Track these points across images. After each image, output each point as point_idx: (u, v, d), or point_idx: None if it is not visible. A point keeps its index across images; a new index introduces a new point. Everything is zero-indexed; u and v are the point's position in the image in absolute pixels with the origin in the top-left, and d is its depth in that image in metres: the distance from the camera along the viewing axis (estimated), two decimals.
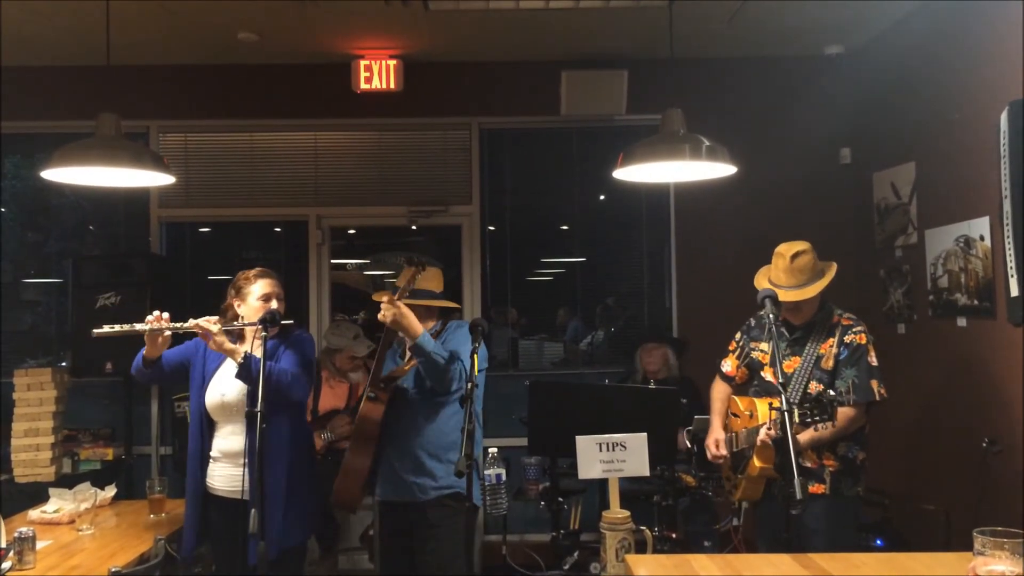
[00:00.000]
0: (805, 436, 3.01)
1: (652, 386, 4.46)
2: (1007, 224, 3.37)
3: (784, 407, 2.66)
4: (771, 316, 2.96)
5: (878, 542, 4.08)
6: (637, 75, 5.04)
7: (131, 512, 3.59)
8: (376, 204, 5.42)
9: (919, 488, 4.43)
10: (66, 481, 4.40)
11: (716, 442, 3.37)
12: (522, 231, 5.59)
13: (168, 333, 2.98)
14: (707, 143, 3.15)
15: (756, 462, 3.12)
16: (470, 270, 5.42)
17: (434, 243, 5.69)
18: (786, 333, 3.27)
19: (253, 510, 2.55)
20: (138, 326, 2.93)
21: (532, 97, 5.27)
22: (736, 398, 3.40)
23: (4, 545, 2.73)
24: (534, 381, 4.29)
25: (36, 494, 3.86)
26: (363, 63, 5.04)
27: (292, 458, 3.05)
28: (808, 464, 3.12)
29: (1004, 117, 3.37)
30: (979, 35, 3.94)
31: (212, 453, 3.12)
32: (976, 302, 3.98)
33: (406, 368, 3.17)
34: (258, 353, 2.81)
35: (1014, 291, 3.37)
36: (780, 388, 2.72)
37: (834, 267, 3.24)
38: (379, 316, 3.03)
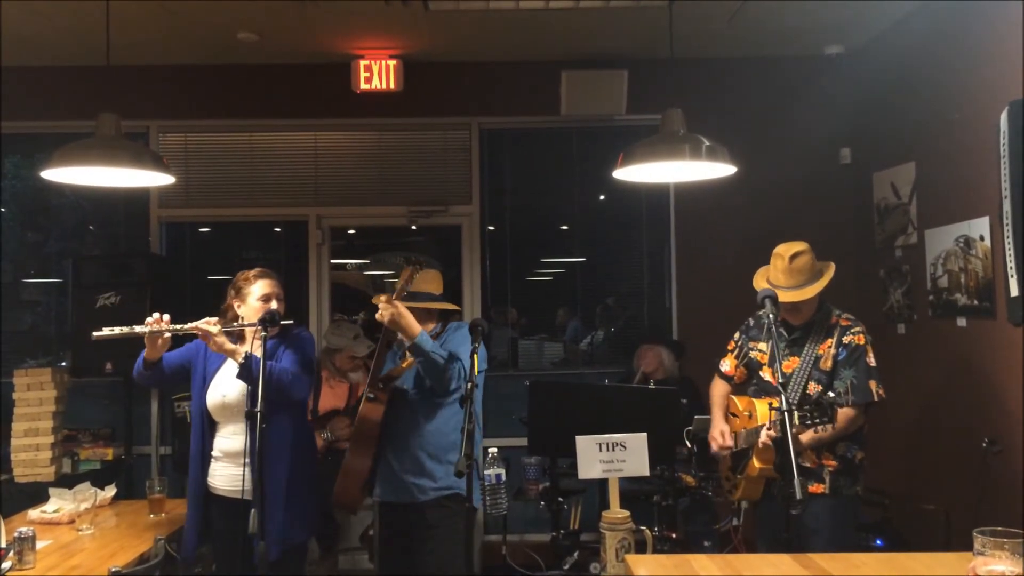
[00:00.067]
0: (806, 436, 3.01)
1: (652, 386, 4.46)
2: (1007, 224, 3.37)
3: (784, 407, 2.66)
4: (771, 316, 2.96)
5: (878, 542, 4.08)
6: (637, 75, 5.04)
7: (131, 512, 3.59)
8: (376, 204, 5.42)
9: (919, 488, 4.43)
10: (66, 481, 4.40)
11: (721, 433, 3.34)
12: (522, 231, 5.59)
13: (168, 335, 2.98)
14: (707, 143, 3.15)
15: (756, 462, 3.12)
16: (470, 270, 5.42)
17: (434, 243, 5.69)
18: (785, 333, 3.27)
19: (253, 510, 2.56)
20: (138, 328, 2.93)
21: (532, 97, 5.27)
22: (735, 398, 3.40)
23: (4, 545, 2.73)
24: (534, 381, 4.30)
25: (36, 494, 3.86)
26: (363, 63, 5.04)
27: (293, 457, 3.05)
28: (807, 464, 3.12)
29: (1004, 117, 3.37)
30: (979, 35, 3.94)
31: (213, 453, 3.13)
32: (976, 302, 3.98)
33: (404, 366, 3.17)
34: (258, 353, 2.81)
35: (1014, 291, 3.37)
36: (780, 388, 2.72)
37: (832, 267, 3.24)
38: (377, 316, 3.03)
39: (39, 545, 2.87)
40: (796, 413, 2.80)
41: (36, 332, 5.71)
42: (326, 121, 5.37)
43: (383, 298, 3.01)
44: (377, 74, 5.05)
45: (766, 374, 3.32)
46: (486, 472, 3.21)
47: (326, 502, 3.37)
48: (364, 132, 5.45)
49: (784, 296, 3.12)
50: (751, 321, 3.47)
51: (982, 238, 3.88)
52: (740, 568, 2.42)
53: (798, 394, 3.16)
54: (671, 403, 3.86)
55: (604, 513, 2.74)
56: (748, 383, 3.48)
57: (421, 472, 3.18)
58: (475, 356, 2.98)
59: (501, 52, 5.13)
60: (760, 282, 3.29)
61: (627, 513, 2.72)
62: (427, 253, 5.61)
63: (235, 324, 3.08)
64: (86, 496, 3.54)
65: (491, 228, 5.49)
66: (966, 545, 2.09)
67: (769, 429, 2.98)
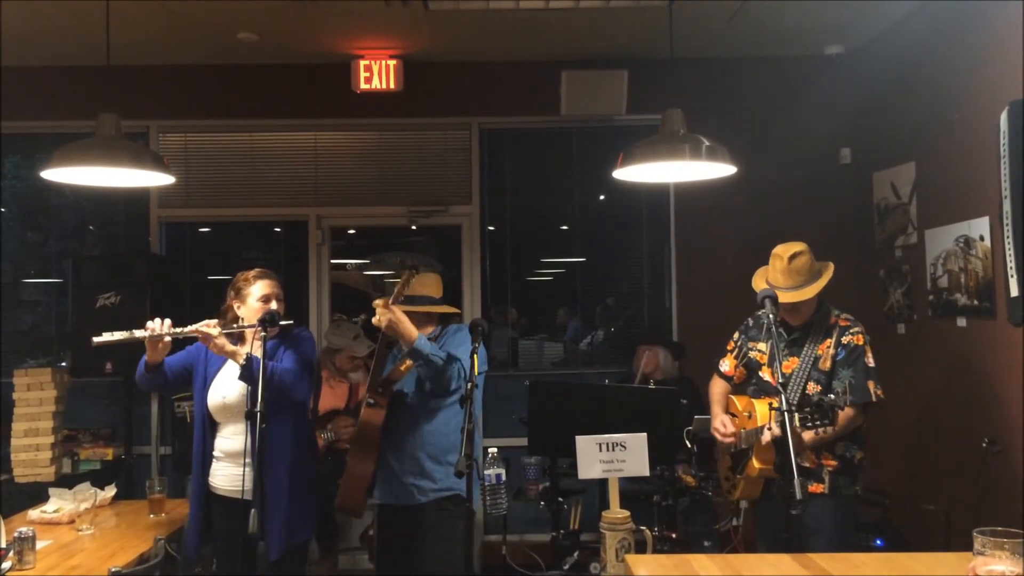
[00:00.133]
0: (808, 435, 3.01)
1: (652, 386, 4.46)
2: (1007, 224, 3.37)
3: (783, 408, 2.66)
4: (770, 316, 2.96)
5: (878, 542, 4.08)
6: (637, 75, 5.04)
7: (131, 512, 3.59)
8: (376, 204, 5.42)
9: (919, 488, 4.43)
10: (66, 481, 4.40)
11: (722, 422, 3.32)
12: (522, 231, 5.59)
13: (168, 339, 2.98)
14: (707, 143, 3.15)
15: (755, 462, 3.12)
16: (470, 270, 5.41)
17: (434, 243, 5.69)
18: (784, 334, 3.27)
19: (253, 510, 2.56)
20: (138, 333, 2.93)
21: (532, 97, 5.27)
22: (734, 398, 3.40)
23: (4, 545, 2.73)
24: (534, 381, 4.30)
25: (36, 494, 3.86)
26: (363, 63, 5.04)
27: (294, 457, 3.06)
28: (806, 464, 3.12)
29: (1004, 117, 3.37)
30: (979, 35, 3.94)
31: (214, 453, 3.14)
32: (976, 302, 3.98)
33: (403, 369, 3.17)
34: (258, 354, 2.81)
35: (1014, 291, 3.37)
36: (780, 389, 2.72)
37: (831, 268, 3.24)
38: (374, 321, 3.03)
39: (39, 545, 2.87)
40: (797, 415, 2.81)
41: (36, 332, 5.71)
42: (326, 121, 5.37)
43: (380, 302, 3.01)
44: (377, 74, 5.05)
45: (765, 374, 3.32)
46: (486, 472, 3.21)
47: (327, 502, 3.38)
48: (364, 132, 5.45)
49: (783, 297, 3.12)
50: (750, 321, 3.47)
51: (982, 238, 3.88)
52: (740, 568, 2.42)
53: (797, 394, 3.16)
54: (671, 403, 3.86)
55: (604, 513, 2.74)
56: (747, 383, 3.48)
57: (421, 473, 3.18)
58: (475, 356, 2.98)
59: (501, 52, 5.13)
60: (759, 283, 3.29)
61: (627, 513, 2.72)
62: (427, 253, 5.61)
63: (235, 325, 3.08)
64: (86, 496, 3.54)
65: (491, 228, 5.49)
66: (966, 545, 2.09)
67: (769, 429, 2.99)
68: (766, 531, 3.32)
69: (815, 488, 3.12)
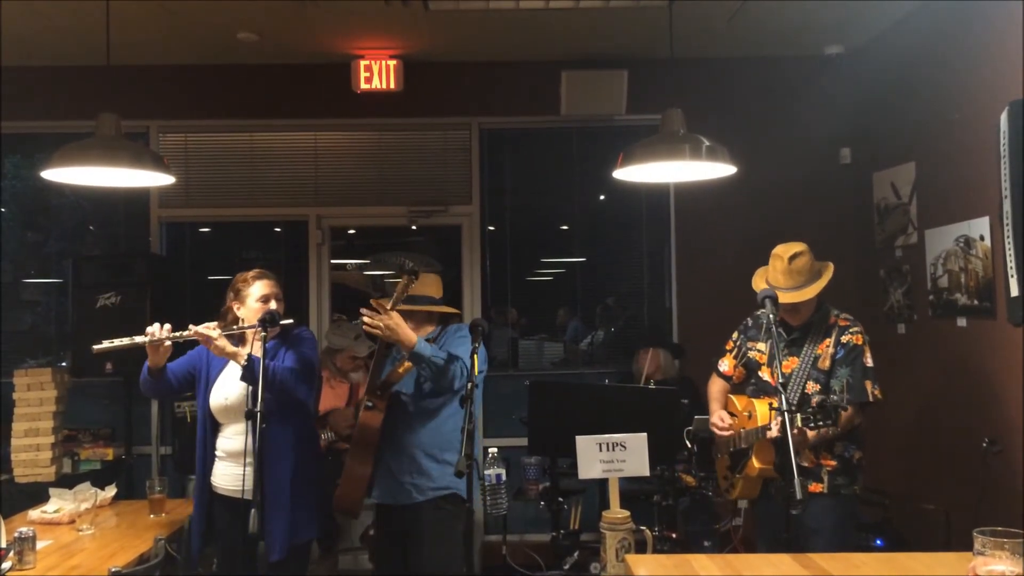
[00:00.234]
0: (812, 434, 3.01)
1: (652, 386, 4.46)
2: (1007, 224, 3.37)
3: (784, 408, 2.66)
4: (770, 316, 2.96)
5: (878, 542, 4.08)
6: (637, 75, 5.04)
7: (131, 512, 3.59)
8: (376, 204, 5.42)
9: (919, 488, 4.43)
10: (66, 481, 4.40)
11: (720, 416, 3.32)
12: (522, 231, 5.59)
13: (169, 343, 2.98)
14: (707, 143, 3.15)
15: (755, 462, 3.13)
16: (470, 270, 5.42)
17: (434, 243, 5.69)
18: (783, 333, 3.27)
19: (253, 510, 2.56)
20: (138, 339, 2.94)
21: (532, 97, 5.27)
22: (733, 397, 3.40)
23: (4, 545, 2.73)
24: (534, 381, 4.30)
25: (36, 494, 3.86)
26: (363, 63, 5.04)
27: (298, 457, 3.07)
28: (805, 464, 3.12)
29: (1004, 117, 3.37)
30: (979, 35, 3.94)
31: (217, 453, 3.15)
32: (976, 302, 3.98)
33: (401, 371, 3.17)
34: (259, 354, 2.81)
35: (1014, 291, 3.37)
36: (779, 389, 2.72)
37: (831, 268, 3.24)
38: (366, 325, 3.01)
39: (39, 545, 2.87)
40: (799, 416, 2.82)
41: (36, 332, 5.71)
42: (326, 121, 5.37)
43: (368, 316, 2.99)
44: (377, 74, 5.05)
45: (765, 374, 3.32)
46: (486, 472, 3.22)
47: (327, 502, 3.38)
48: (364, 132, 5.45)
49: (783, 297, 3.12)
50: (749, 321, 3.47)
51: (982, 238, 3.88)
52: (740, 568, 2.42)
53: (797, 394, 3.17)
54: (671, 403, 3.86)
55: (604, 513, 2.74)
56: (746, 383, 3.48)
57: (419, 472, 3.18)
58: (475, 356, 2.98)
59: (501, 52, 5.13)
60: (759, 283, 3.29)
61: (627, 513, 2.73)
62: (427, 253, 5.61)
63: (235, 326, 3.08)
64: (86, 496, 3.54)
65: (491, 228, 5.49)
66: (966, 545, 2.09)
67: (770, 429, 2.99)
68: (766, 531, 3.32)
69: (814, 488, 3.13)
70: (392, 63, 5.04)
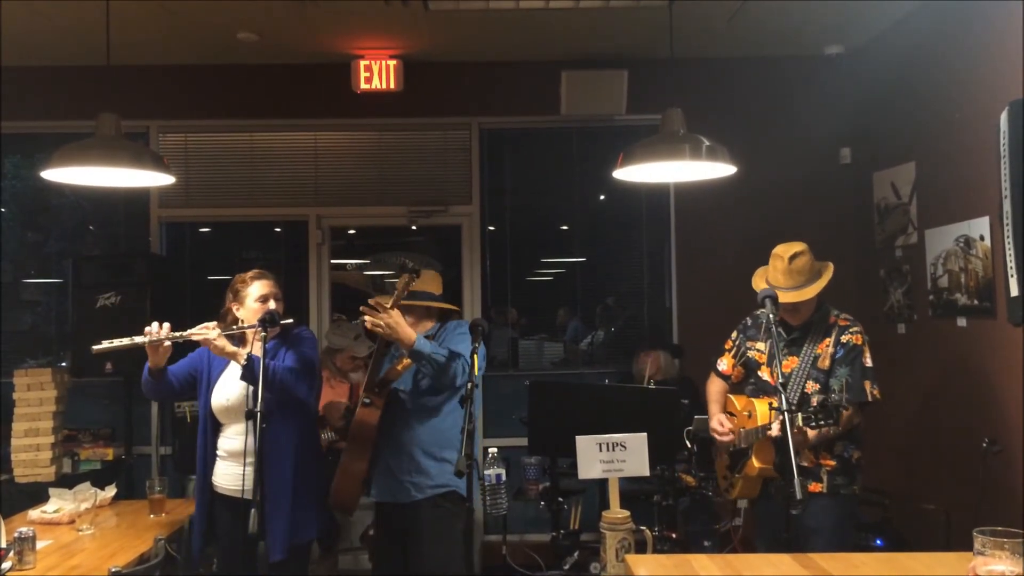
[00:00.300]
0: (811, 434, 3.01)
1: (652, 386, 4.46)
2: (1007, 224, 3.37)
3: (784, 407, 2.66)
4: (770, 316, 2.96)
5: (878, 542, 4.08)
6: (637, 75, 5.04)
7: (131, 512, 3.59)
8: (376, 204, 5.42)
9: (919, 488, 4.43)
10: (66, 481, 4.40)
11: (720, 421, 3.32)
12: (522, 231, 5.59)
13: (168, 343, 2.98)
14: (707, 143, 3.15)
15: (755, 462, 3.13)
16: (470, 270, 5.42)
17: (434, 243, 5.69)
18: (783, 333, 3.27)
19: (253, 510, 2.56)
20: (137, 339, 2.94)
21: (532, 97, 5.26)
22: (732, 397, 3.40)
23: (4, 545, 2.73)
24: (534, 381, 4.30)
25: (36, 494, 3.86)
26: (363, 63, 5.04)
27: (299, 457, 3.08)
28: (805, 463, 3.12)
29: (1004, 117, 3.36)
30: (979, 35, 3.94)
31: (218, 452, 3.16)
32: (976, 302, 3.98)
33: (400, 368, 3.17)
34: (259, 354, 2.81)
35: (1014, 291, 3.36)
36: (780, 388, 2.72)
37: (831, 268, 3.24)
38: (366, 326, 3.02)
39: (39, 545, 2.87)
40: (800, 415, 2.82)
41: (36, 332, 5.71)
42: (326, 121, 5.37)
43: (368, 314, 2.99)
44: (377, 74, 5.05)
45: (764, 374, 3.32)
46: (486, 472, 3.21)
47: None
48: (364, 132, 5.45)
49: (784, 297, 3.12)
50: (748, 321, 3.47)
51: (982, 238, 3.88)
52: (740, 568, 2.42)
53: (797, 394, 3.17)
54: (671, 403, 3.86)
55: (604, 513, 2.74)
56: (744, 383, 3.48)
57: (417, 470, 3.18)
58: (475, 356, 2.98)
59: (501, 52, 5.13)
60: (759, 283, 3.29)
61: (627, 513, 2.73)
62: (427, 253, 5.61)
63: (235, 327, 3.08)
64: (86, 496, 3.54)
65: (491, 228, 5.49)
66: (966, 545, 2.09)
67: (770, 430, 2.99)
68: (765, 531, 3.32)
69: (813, 487, 3.13)
70: (392, 63, 5.04)
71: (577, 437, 2.83)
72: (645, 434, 2.84)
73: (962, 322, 4.11)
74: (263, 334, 2.83)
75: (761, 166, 4.95)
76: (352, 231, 5.75)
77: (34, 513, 3.40)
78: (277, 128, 5.41)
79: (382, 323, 2.96)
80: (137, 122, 5.08)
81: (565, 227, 5.82)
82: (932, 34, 4.35)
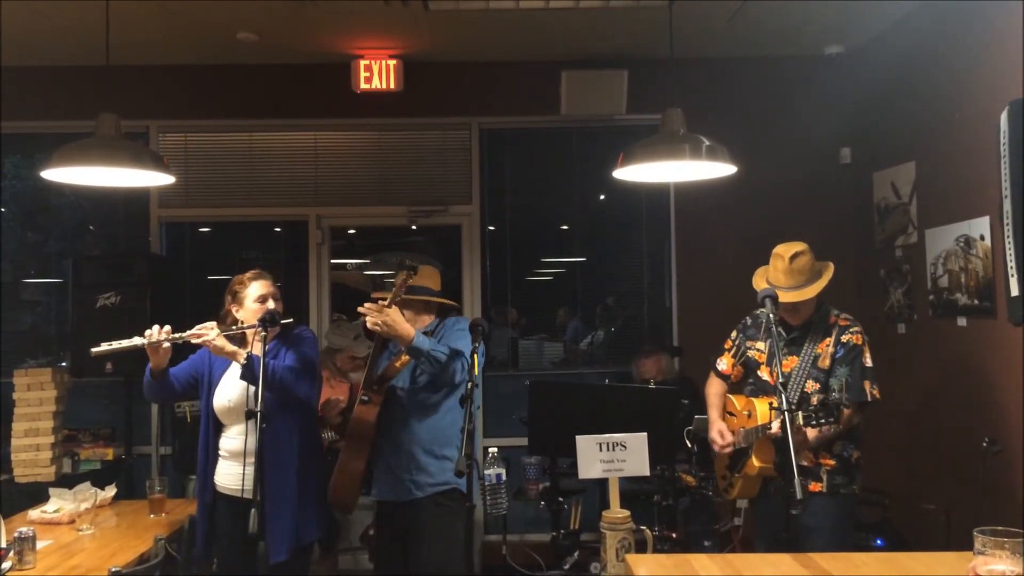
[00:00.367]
0: (812, 433, 3.01)
1: (652, 386, 4.46)
2: (1007, 224, 3.37)
3: (784, 407, 2.66)
4: (770, 316, 2.96)
5: (878, 542, 4.08)
6: (637, 75, 5.04)
7: (131, 512, 3.59)
8: (376, 204, 5.42)
9: (919, 488, 4.43)
10: (66, 481, 4.40)
11: (720, 432, 3.34)
12: (522, 231, 5.59)
13: (168, 344, 2.98)
14: (707, 143, 3.15)
15: (755, 461, 3.13)
16: (470, 270, 5.41)
17: (434, 243, 5.69)
18: (783, 333, 3.27)
19: (253, 510, 2.56)
20: (136, 341, 2.94)
21: (532, 97, 5.26)
22: (732, 397, 3.41)
23: (4, 545, 2.73)
24: (534, 381, 4.30)
25: (36, 494, 3.87)
26: (363, 63, 5.04)
27: (302, 457, 3.08)
28: (804, 463, 3.12)
29: (1004, 117, 3.36)
30: (979, 35, 3.94)
31: (221, 453, 3.16)
32: (976, 302, 3.98)
33: (398, 365, 3.17)
34: (260, 354, 2.82)
35: (1014, 291, 3.36)
36: (780, 388, 2.72)
37: (831, 268, 3.24)
38: (368, 324, 3.02)
39: (39, 545, 2.87)
40: (801, 414, 2.82)
41: (36, 332, 5.71)
42: (326, 121, 5.37)
43: (371, 306, 2.99)
44: (377, 74, 5.05)
45: (764, 373, 3.32)
46: (486, 472, 3.21)
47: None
48: (364, 132, 5.45)
49: (784, 296, 3.13)
50: (748, 320, 3.47)
51: (982, 238, 3.88)
52: (740, 568, 2.42)
53: (797, 393, 3.17)
54: (671, 403, 3.86)
55: (604, 513, 2.74)
56: (744, 382, 3.48)
57: (418, 468, 3.18)
58: (476, 356, 2.98)
59: (501, 52, 5.13)
60: (759, 282, 3.30)
61: (627, 513, 2.73)
62: (427, 253, 5.61)
63: (235, 327, 3.09)
64: (86, 496, 3.54)
65: (491, 228, 5.49)
66: (966, 545, 2.09)
67: (770, 429, 2.99)
68: (765, 531, 3.32)
69: (813, 487, 3.13)
70: (392, 63, 5.04)
71: (577, 437, 2.83)
72: (645, 434, 2.84)
73: (962, 322, 4.11)
74: (263, 334, 2.83)
75: (761, 166, 4.95)
76: (352, 231, 5.75)
77: (34, 513, 3.40)
78: (277, 128, 5.41)
79: (380, 321, 2.96)
80: (137, 122, 5.08)
81: (565, 227, 5.82)
82: (932, 34, 4.35)
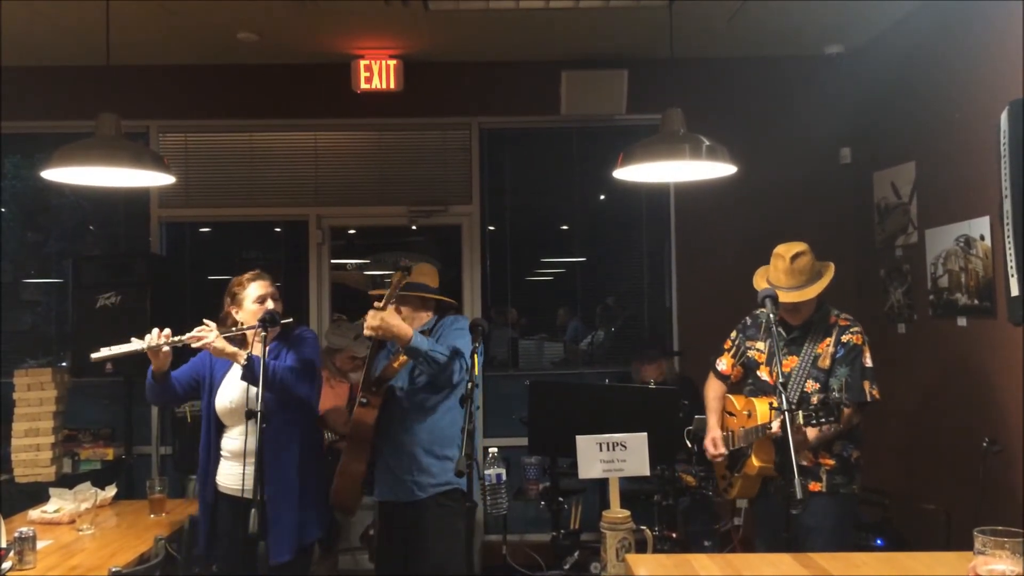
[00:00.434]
0: (812, 433, 3.01)
1: (652, 386, 4.46)
2: (1007, 224, 3.37)
3: (784, 407, 2.66)
4: (770, 316, 2.96)
5: (878, 542, 4.08)
6: (637, 75, 5.04)
7: (131, 512, 3.59)
8: (376, 204, 5.42)
9: (919, 488, 4.43)
10: (66, 481, 4.40)
11: (713, 441, 3.37)
12: (522, 231, 5.59)
13: (167, 347, 2.98)
14: (707, 143, 3.15)
15: (755, 461, 3.13)
16: (470, 270, 5.41)
17: (434, 243, 5.69)
18: (783, 333, 3.27)
19: (253, 510, 2.56)
20: (136, 346, 2.93)
21: (532, 97, 5.26)
22: (732, 397, 3.41)
23: (4, 545, 2.73)
24: (534, 381, 4.30)
25: (36, 494, 3.87)
26: (363, 63, 5.04)
27: (303, 456, 3.08)
28: (804, 463, 3.12)
29: (1004, 117, 3.36)
30: (979, 35, 3.94)
31: (222, 453, 3.16)
32: (976, 302, 3.98)
33: (396, 366, 3.16)
34: (260, 354, 2.82)
35: (1014, 291, 3.36)
36: (780, 388, 2.72)
37: (832, 268, 3.24)
38: (365, 331, 3.02)
39: (39, 545, 2.87)
40: (801, 413, 2.82)
41: (36, 332, 5.71)
42: (326, 121, 5.37)
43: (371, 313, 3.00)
44: (377, 74, 5.05)
45: (763, 373, 3.32)
46: (486, 472, 3.21)
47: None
48: (364, 132, 5.45)
49: (785, 296, 3.13)
50: (748, 320, 3.47)
51: (982, 237, 3.89)
52: (740, 568, 2.42)
53: (797, 393, 3.17)
54: (671, 403, 3.86)
55: (604, 513, 2.75)
56: (743, 382, 3.48)
57: (419, 469, 3.18)
58: (476, 356, 2.98)
59: (501, 52, 5.13)
60: (760, 282, 3.29)
61: (627, 513, 2.73)
62: (427, 253, 5.62)
63: (235, 329, 3.08)
64: (86, 496, 3.54)
65: (491, 228, 5.49)
66: (966, 545, 2.09)
67: (770, 429, 2.99)
68: (765, 530, 3.32)
69: (813, 487, 3.13)
70: (392, 63, 5.04)
71: (577, 437, 2.83)
72: (645, 434, 2.84)
73: (962, 322, 4.11)
74: (263, 334, 2.83)
75: (761, 166, 4.95)
76: (352, 231, 5.75)
77: (34, 513, 3.40)
78: (277, 128, 5.41)
79: (376, 325, 2.96)
80: (137, 122, 5.08)
81: (565, 227, 5.82)
82: (932, 34, 4.35)
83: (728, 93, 5.25)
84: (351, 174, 5.45)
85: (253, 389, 2.87)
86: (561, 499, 4.27)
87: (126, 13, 4.12)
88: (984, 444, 3.68)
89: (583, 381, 5.37)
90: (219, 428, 3.17)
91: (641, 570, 2.44)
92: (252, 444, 2.76)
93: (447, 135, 5.43)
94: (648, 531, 2.87)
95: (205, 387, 3.19)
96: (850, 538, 3.29)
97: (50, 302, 5.70)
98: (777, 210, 5.11)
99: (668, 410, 3.81)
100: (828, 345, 3.20)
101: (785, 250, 3.22)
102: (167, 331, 2.98)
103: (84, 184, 3.49)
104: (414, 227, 5.54)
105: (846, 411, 3.04)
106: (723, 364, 3.53)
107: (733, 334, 3.52)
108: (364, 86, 5.04)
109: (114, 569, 2.73)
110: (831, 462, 3.16)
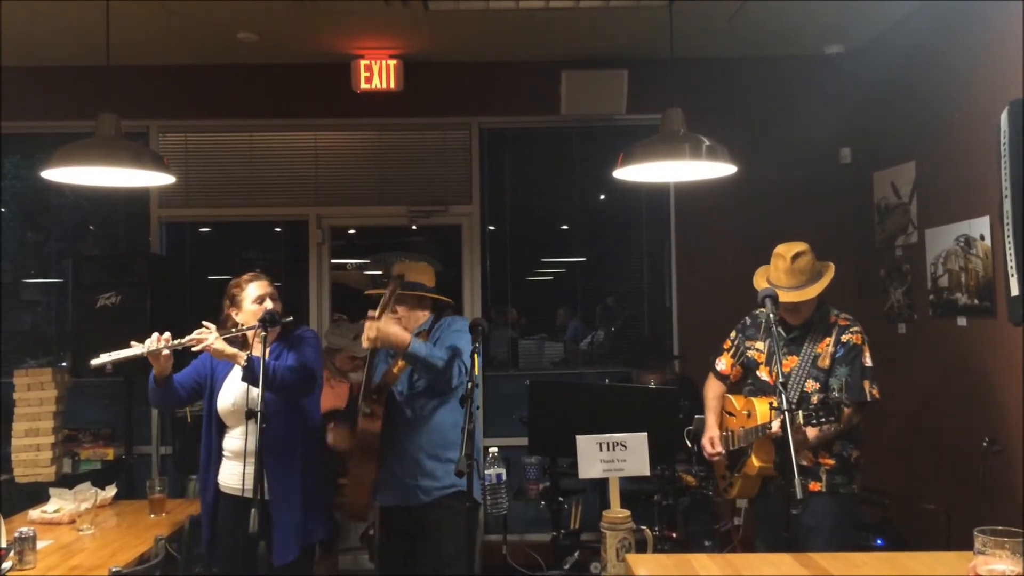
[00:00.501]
0: (812, 432, 3.01)
1: (652, 386, 4.46)
2: (1007, 223, 3.37)
3: (784, 407, 2.66)
4: (770, 316, 2.96)
5: (878, 542, 4.08)
6: (637, 75, 5.04)
7: (131, 512, 3.59)
8: (376, 204, 5.42)
9: (919, 488, 4.43)
10: (66, 481, 4.40)
11: (711, 440, 3.36)
12: (522, 231, 5.59)
13: (167, 351, 2.98)
14: (707, 143, 3.15)
15: (755, 461, 3.13)
16: (470, 270, 5.42)
17: (434, 243, 5.69)
18: (783, 333, 3.27)
19: (253, 510, 2.57)
20: (136, 350, 2.93)
21: (532, 97, 5.27)
22: (731, 397, 3.41)
23: (4, 545, 2.73)
24: (534, 381, 4.30)
25: (36, 494, 3.86)
26: (363, 63, 5.04)
27: (305, 456, 3.08)
28: (804, 462, 3.12)
29: (1004, 117, 3.36)
30: (979, 35, 3.94)
31: (224, 453, 3.16)
32: (976, 302, 3.98)
33: (395, 372, 3.16)
34: (261, 354, 2.82)
35: (1014, 290, 3.36)
36: (780, 388, 2.72)
37: (832, 268, 3.24)
38: (363, 343, 3.02)
39: (40, 545, 2.87)
40: (801, 413, 2.82)
41: (36, 332, 5.71)
42: (326, 121, 5.37)
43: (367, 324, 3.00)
44: (377, 74, 5.05)
45: (763, 373, 3.32)
46: (486, 472, 3.21)
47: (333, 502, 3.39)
48: (364, 132, 5.45)
49: (785, 296, 3.13)
50: (747, 320, 3.47)
51: (982, 237, 3.89)
52: (740, 568, 2.42)
53: (796, 393, 3.17)
54: (671, 403, 3.86)
55: (604, 513, 2.75)
56: (742, 382, 3.48)
57: (423, 473, 3.18)
58: (475, 356, 2.98)
59: (501, 52, 5.13)
60: (760, 282, 3.29)
61: (627, 513, 2.73)
62: (427, 253, 5.61)
63: (235, 330, 3.08)
64: (86, 496, 3.54)
65: (491, 228, 5.49)
66: (966, 545, 2.09)
67: (770, 429, 2.99)
68: (765, 530, 3.32)
69: (813, 486, 3.13)
70: (392, 63, 5.05)
71: (577, 437, 2.83)
72: (645, 434, 2.84)
73: (962, 322, 4.11)
74: (263, 335, 2.83)
75: (761, 166, 4.95)
76: (352, 231, 5.75)
77: (34, 513, 3.40)
78: (277, 128, 5.41)
79: (372, 336, 2.96)
80: (137, 122, 5.08)
81: (565, 227, 5.82)
82: (932, 34, 4.35)
83: (728, 93, 5.25)
84: (351, 174, 5.45)
85: (254, 389, 2.87)
86: (561, 499, 4.27)
87: (126, 13, 4.12)
88: (984, 444, 3.68)
89: (583, 381, 5.37)
90: (220, 428, 3.17)
91: (641, 570, 2.45)
92: (252, 444, 2.76)
93: (447, 135, 5.43)
94: (648, 531, 2.87)
95: (207, 388, 3.19)
96: (850, 538, 3.29)
97: (50, 302, 5.70)
98: (777, 210, 5.11)
99: (668, 410, 3.81)
100: (828, 345, 3.20)
101: (786, 250, 3.22)
102: (166, 335, 2.97)
103: (84, 184, 3.49)
104: (414, 227, 5.54)
105: (846, 411, 3.04)
106: (722, 364, 3.53)
107: (732, 334, 3.52)
108: (364, 86, 5.04)
109: (114, 569, 2.73)
110: (831, 462, 3.16)
